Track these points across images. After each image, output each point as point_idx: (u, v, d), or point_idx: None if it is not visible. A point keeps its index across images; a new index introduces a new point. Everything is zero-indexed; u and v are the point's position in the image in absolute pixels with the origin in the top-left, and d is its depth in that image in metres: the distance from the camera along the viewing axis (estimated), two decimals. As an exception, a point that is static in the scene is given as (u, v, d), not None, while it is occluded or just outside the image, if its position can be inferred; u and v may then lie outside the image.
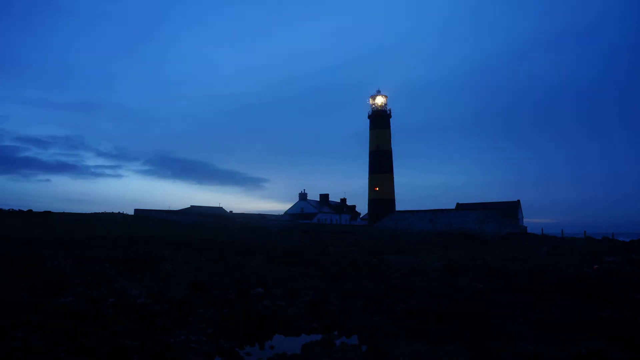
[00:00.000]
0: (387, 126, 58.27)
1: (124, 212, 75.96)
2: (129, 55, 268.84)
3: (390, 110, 58.92)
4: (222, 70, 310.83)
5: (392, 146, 58.38)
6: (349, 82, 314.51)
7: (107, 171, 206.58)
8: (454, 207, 61.28)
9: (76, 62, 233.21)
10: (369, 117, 58.75)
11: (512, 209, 61.98)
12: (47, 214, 56.77)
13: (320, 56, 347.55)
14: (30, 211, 56.15)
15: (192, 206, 77.00)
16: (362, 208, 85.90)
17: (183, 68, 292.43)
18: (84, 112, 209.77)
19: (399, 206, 57.78)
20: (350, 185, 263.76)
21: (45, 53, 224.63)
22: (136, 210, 72.85)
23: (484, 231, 42.31)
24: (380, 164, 56.99)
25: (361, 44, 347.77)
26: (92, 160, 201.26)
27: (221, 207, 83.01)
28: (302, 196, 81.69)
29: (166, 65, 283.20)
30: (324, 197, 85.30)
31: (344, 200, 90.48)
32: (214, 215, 72.44)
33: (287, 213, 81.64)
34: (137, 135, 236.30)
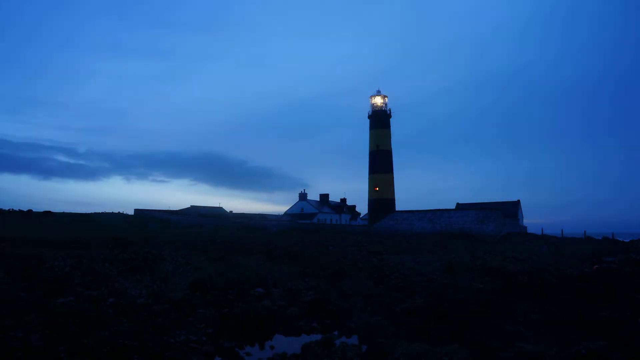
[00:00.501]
0: (387, 126, 58.25)
1: (124, 212, 76.04)
2: (137, 92, 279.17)
3: (390, 110, 58.93)
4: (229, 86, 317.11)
5: (392, 146, 58.46)
6: (349, 82, 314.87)
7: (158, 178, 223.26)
8: (454, 207, 61.25)
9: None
10: (369, 117, 58.73)
11: (512, 209, 61.94)
12: (47, 214, 56.77)
13: (321, 57, 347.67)
14: (30, 211, 56.17)
15: (192, 206, 77.01)
16: (362, 208, 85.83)
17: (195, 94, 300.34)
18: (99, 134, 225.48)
19: (399, 206, 57.83)
20: (350, 185, 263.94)
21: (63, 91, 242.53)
22: (136, 210, 72.82)
23: (484, 231, 42.30)
24: (380, 164, 56.97)
25: (363, 47, 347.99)
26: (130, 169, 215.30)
27: (221, 207, 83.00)
28: (302, 196, 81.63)
29: (175, 96, 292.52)
30: (324, 197, 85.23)
31: (344, 200, 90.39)
32: (214, 215, 72.41)
33: (287, 213, 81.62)
34: (147, 151, 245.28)
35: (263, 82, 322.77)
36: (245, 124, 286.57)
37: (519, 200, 65.93)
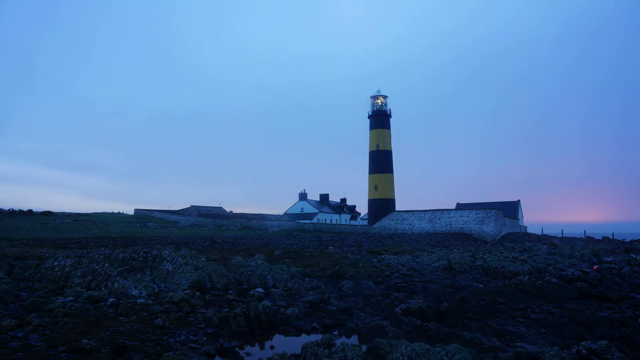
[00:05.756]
0: (387, 126, 58.24)
1: (124, 212, 76.06)
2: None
3: (390, 110, 58.89)
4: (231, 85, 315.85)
5: (392, 146, 58.43)
6: (349, 81, 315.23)
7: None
8: (454, 207, 61.23)
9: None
10: (369, 117, 58.73)
11: (512, 209, 61.94)
12: (48, 213, 56.75)
13: (321, 56, 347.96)
14: (30, 211, 56.17)
15: (192, 206, 76.96)
16: (362, 208, 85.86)
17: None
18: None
19: (399, 206, 57.83)
20: (350, 185, 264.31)
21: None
22: (136, 210, 72.85)
23: (484, 231, 42.29)
24: (380, 164, 56.96)
25: (363, 44, 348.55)
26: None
27: (221, 207, 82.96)
28: (302, 196, 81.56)
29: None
30: (324, 197, 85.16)
31: (344, 200, 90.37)
32: (214, 215, 72.40)
33: (287, 213, 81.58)
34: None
35: (261, 81, 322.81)
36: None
37: (519, 200, 65.91)
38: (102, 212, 72.84)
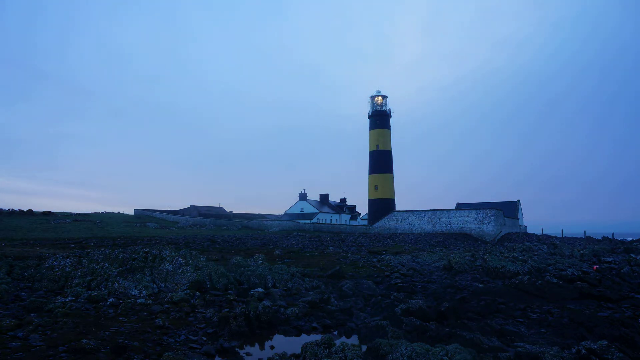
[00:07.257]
0: (387, 126, 58.22)
1: (124, 212, 76.05)
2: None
3: (390, 110, 58.89)
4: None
5: (392, 146, 58.43)
6: (350, 81, 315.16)
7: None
8: (454, 207, 61.23)
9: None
10: (369, 117, 58.72)
11: (512, 209, 61.93)
12: (47, 214, 56.74)
13: (322, 55, 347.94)
14: (30, 211, 56.16)
15: (192, 206, 76.94)
16: (362, 208, 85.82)
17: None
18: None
19: (399, 206, 57.84)
20: (350, 185, 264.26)
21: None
22: (136, 210, 72.84)
23: (484, 231, 42.27)
24: (380, 164, 56.95)
25: (363, 42, 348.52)
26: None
27: (221, 207, 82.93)
28: (302, 196, 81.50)
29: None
30: (324, 197, 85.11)
31: (344, 200, 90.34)
32: (214, 215, 72.40)
33: (286, 213, 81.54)
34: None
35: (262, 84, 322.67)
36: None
37: (518, 200, 65.90)
38: (102, 212, 72.82)
